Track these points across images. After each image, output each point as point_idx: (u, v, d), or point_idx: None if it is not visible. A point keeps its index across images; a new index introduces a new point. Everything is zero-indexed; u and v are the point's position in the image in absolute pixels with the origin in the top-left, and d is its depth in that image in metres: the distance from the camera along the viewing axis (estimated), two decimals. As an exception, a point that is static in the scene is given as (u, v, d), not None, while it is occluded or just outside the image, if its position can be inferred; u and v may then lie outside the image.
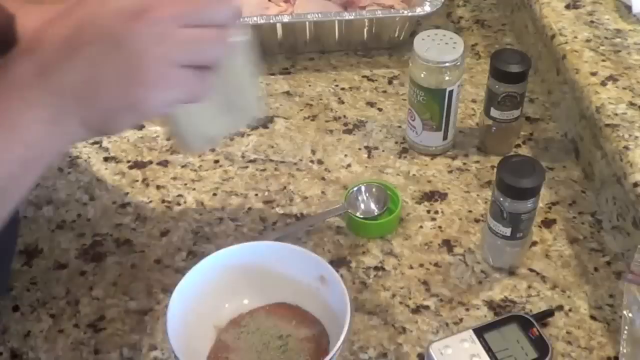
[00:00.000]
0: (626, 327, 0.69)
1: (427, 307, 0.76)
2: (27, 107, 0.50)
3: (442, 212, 0.87)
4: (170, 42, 0.48)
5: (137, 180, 0.91)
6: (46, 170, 0.54)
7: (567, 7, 0.98)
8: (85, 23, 0.49)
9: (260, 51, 1.13)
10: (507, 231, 0.75)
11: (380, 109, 1.01)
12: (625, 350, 0.68)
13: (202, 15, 0.49)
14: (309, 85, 1.05)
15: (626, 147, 0.78)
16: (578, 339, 0.73)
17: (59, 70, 0.49)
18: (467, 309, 0.76)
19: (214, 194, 0.89)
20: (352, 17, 1.05)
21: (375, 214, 0.85)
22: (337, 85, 1.05)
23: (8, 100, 0.50)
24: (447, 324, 0.75)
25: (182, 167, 0.93)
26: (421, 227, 0.85)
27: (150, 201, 0.88)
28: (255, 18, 1.03)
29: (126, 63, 0.48)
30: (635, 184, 0.75)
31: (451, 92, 0.87)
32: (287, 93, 1.04)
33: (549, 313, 0.75)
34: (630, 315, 0.69)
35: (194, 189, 0.90)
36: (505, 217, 0.74)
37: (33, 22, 0.61)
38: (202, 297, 0.71)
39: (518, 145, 0.95)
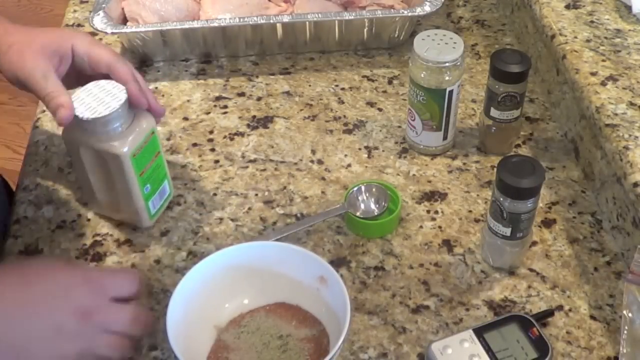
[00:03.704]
0: (626, 327, 0.69)
1: (427, 307, 0.76)
2: None
3: (442, 212, 0.87)
4: (94, 341, 0.62)
5: (137, 180, 0.91)
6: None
7: (567, 7, 0.98)
8: (44, 305, 0.60)
9: (260, 51, 1.14)
10: (507, 231, 0.75)
11: (380, 109, 1.01)
12: (625, 350, 0.69)
13: (122, 327, 0.65)
14: (309, 85, 1.05)
15: (626, 147, 0.78)
16: (578, 339, 0.74)
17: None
18: (467, 309, 0.76)
19: (214, 194, 0.89)
20: (352, 17, 1.05)
21: (375, 214, 0.85)
22: (337, 85, 1.05)
23: None
24: (447, 324, 0.75)
25: (182, 167, 0.93)
26: (421, 227, 0.85)
27: (150, 201, 0.88)
28: (255, 18, 1.03)
29: (60, 343, 0.60)
30: (635, 184, 0.75)
31: (451, 92, 0.87)
32: (287, 93, 1.04)
33: (549, 313, 0.75)
34: (630, 315, 0.69)
35: (194, 189, 0.90)
36: (505, 217, 0.74)
37: (12, 40, 0.74)
38: (202, 297, 0.71)
39: (518, 145, 0.95)
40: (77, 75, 0.77)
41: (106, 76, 0.77)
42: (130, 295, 0.66)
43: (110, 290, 0.64)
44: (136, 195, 0.79)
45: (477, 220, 0.85)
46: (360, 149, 0.95)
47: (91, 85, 0.75)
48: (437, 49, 0.85)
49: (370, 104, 1.02)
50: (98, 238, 0.84)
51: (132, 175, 0.77)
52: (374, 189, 0.86)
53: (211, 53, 1.10)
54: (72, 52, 0.75)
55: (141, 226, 0.84)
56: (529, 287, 0.78)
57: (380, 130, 0.98)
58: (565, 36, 0.93)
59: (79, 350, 0.61)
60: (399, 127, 0.98)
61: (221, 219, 0.86)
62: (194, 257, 0.82)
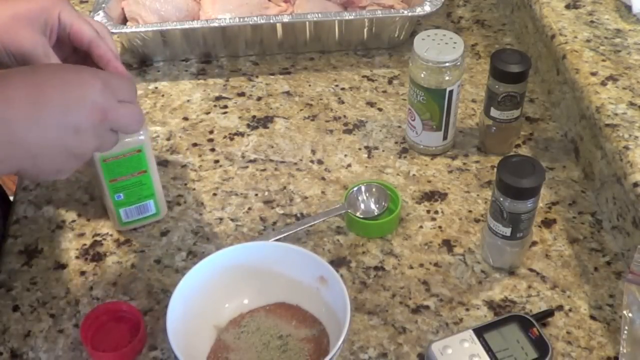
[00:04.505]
0: (626, 327, 0.69)
1: (427, 307, 0.76)
2: None
3: (442, 212, 0.87)
4: (103, 139, 0.63)
5: (137, 180, 0.91)
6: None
7: (567, 7, 0.98)
8: (61, 106, 0.59)
9: (260, 51, 1.14)
10: (507, 231, 0.75)
11: (380, 109, 1.01)
12: (625, 350, 0.68)
13: (128, 128, 0.66)
14: (309, 85, 1.05)
15: (626, 147, 0.78)
16: (578, 339, 0.73)
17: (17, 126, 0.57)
18: (467, 309, 0.76)
19: (214, 194, 0.89)
20: (352, 17, 1.05)
21: (375, 214, 0.85)
22: (337, 85, 1.05)
23: None
24: (447, 324, 0.75)
25: (182, 167, 0.93)
26: (421, 227, 0.85)
27: (150, 201, 0.88)
28: (255, 18, 1.03)
29: (76, 144, 0.60)
30: (635, 184, 0.75)
31: (451, 92, 0.87)
32: (287, 93, 1.04)
33: (549, 313, 0.75)
34: (630, 315, 0.69)
35: (194, 189, 0.90)
36: (505, 217, 0.74)
37: None
38: (202, 297, 0.71)
39: (518, 145, 0.95)
40: (57, 44, 0.75)
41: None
42: (130, 98, 0.66)
43: (118, 91, 0.64)
44: (106, 197, 0.81)
45: (477, 220, 0.85)
46: (360, 149, 0.95)
47: None
48: (437, 49, 0.85)
49: (370, 104, 1.02)
50: (98, 238, 0.84)
51: (102, 178, 0.78)
52: (374, 189, 0.86)
53: (211, 53, 1.10)
54: (58, 22, 0.73)
55: (114, 227, 0.85)
56: (529, 287, 0.78)
57: (380, 130, 0.98)
58: (565, 36, 0.93)
59: (92, 149, 0.62)
60: (399, 127, 0.98)
61: (221, 219, 0.86)
62: (194, 257, 0.82)
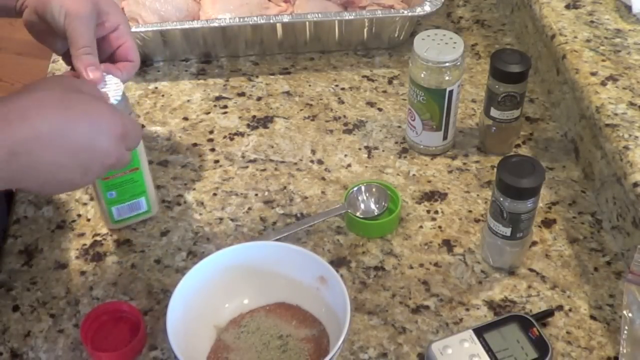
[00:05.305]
0: (626, 327, 0.69)
1: (427, 307, 0.76)
2: None
3: (442, 212, 0.87)
4: (100, 176, 0.68)
5: (137, 180, 0.91)
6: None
7: (567, 7, 0.98)
8: (79, 144, 0.61)
9: (260, 51, 1.14)
10: (507, 231, 0.75)
11: (380, 109, 1.01)
12: (625, 350, 0.69)
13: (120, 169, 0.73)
14: (309, 85, 1.05)
15: (626, 147, 0.78)
16: (578, 339, 0.73)
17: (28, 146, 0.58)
18: (467, 309, 0.76)
19: (214, 194, 0.89)
20: (352, 17, 1.05)
21: (375, 214, 0.85)
22: (337, 85, 1.05)
23: None
24: (447, 324, 0.75)
25: (182, 167, 0.93)
26: (421, 227, 0.85)
27: (150, 201, 0.88)
28: (255, 18, 1.03)
29: (79, 181, 0.63)
30: (635, 184, 0.75)
31: (451, 92, 0.87)
32: (287, 93, 1.04)
33: (549, 313, 0.75)
34: (630, 315, 0.69)
35: (194, 189, 0.90)
36: (505, 217, 0.74)
37: None
38: (202, 297, 0.71)
39: (518, 145, 0.95)
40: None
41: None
42: (135, 147, 0.69)
43: (130, 141, 0.66)
44: (99, 194, 0.81)
45: (477, 220, 0.85)
46: (360, 149, 0.95)
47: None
48: (437, 49, 0.85)
49: (370, 104, 1.02)
50: (98, 238, 0.84)
51: None
52: (374, 189, 0.86)
53: (211, 53, 1.10)
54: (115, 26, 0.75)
55: (106, 226, 0.85)
56: (529, 287, 0.78)
57: (380, 130, 0.98)
58: (565, 36, 0.93)
59: (85, 184, 0.66)
60: (399, 127, 0.98)
61: (221, 219, 0.86)
62: (194, 257, 0.82)
